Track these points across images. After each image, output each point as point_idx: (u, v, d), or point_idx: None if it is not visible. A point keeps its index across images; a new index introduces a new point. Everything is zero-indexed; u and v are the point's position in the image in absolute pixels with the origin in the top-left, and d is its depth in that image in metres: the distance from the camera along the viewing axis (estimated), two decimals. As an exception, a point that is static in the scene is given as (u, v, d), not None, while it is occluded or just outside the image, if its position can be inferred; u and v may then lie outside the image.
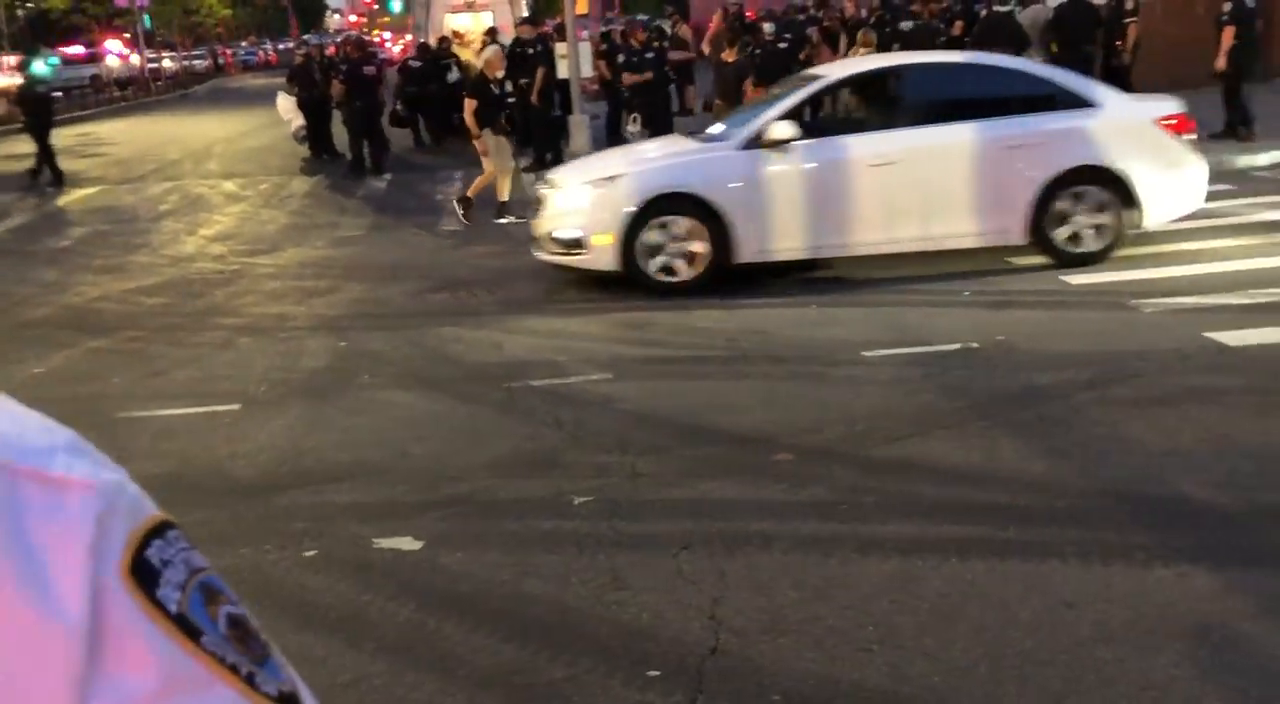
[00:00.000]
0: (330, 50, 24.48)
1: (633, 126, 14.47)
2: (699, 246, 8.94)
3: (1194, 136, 9.36)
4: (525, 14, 24.79)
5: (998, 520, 4.65)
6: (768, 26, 16.66)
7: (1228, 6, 13.26)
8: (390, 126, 19.42)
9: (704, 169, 9.12)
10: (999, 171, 8.89)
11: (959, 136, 8.99)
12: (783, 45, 16.20)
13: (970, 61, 10.00)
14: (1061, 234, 8.93)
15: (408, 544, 4.77)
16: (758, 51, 16.30)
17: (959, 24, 16.92)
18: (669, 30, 21.69)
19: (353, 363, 7.63)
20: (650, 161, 9.61)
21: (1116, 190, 8.87)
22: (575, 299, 9.10)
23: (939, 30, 16.99)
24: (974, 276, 8.87)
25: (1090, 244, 8.96)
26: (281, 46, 72.83)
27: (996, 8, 15.43)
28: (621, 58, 17.17)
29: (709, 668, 3.73)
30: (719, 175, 9.02)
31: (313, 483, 5.55)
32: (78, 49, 52.21)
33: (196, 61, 65.35)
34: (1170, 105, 9.35)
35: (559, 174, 10.00)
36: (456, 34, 22.45)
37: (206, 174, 19.11)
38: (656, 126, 14.55)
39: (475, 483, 5.42)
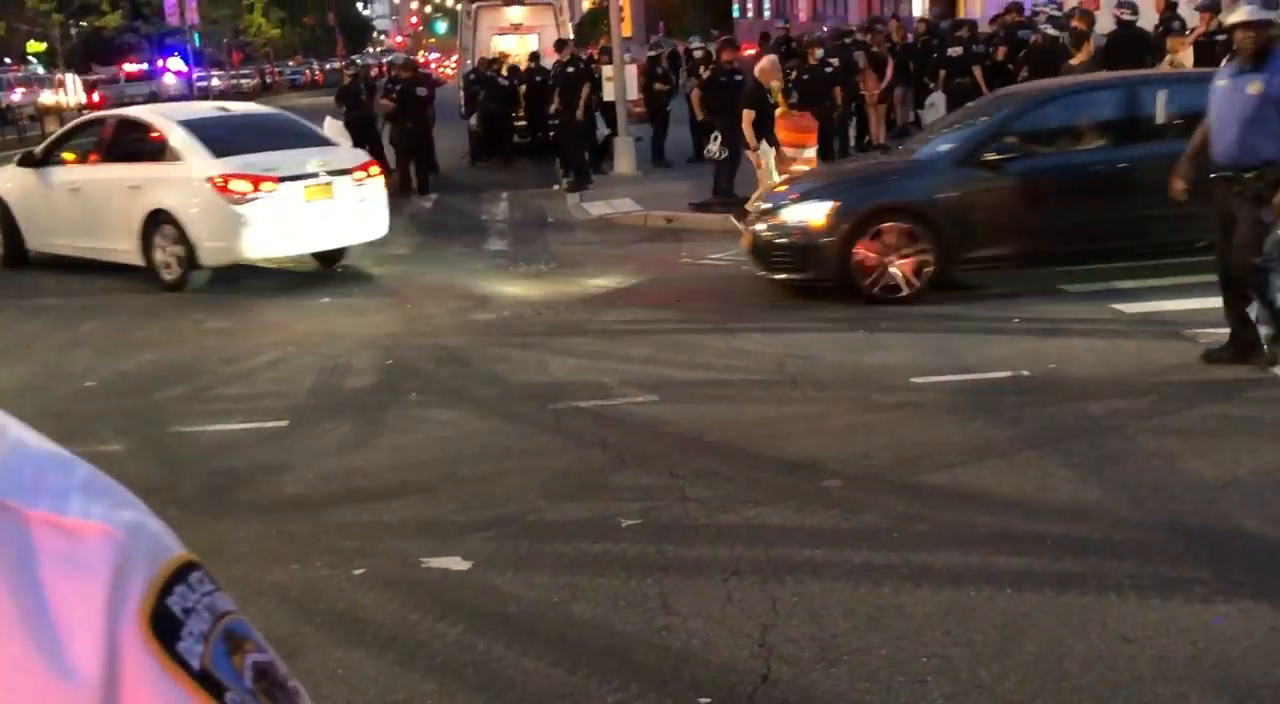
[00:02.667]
0: (374, 72, 24.74)
1: (713, 146, 14.66)
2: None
3: (271, 189, 10.74)
4: (570, 36, 24.94)
5: (1053, 552, 4.59)
6: (819, 52, 16.61)
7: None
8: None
9: (8, 180, 12.75)
10: (125, 205, 11.25)
11: (108, 175, 11.63)
12: (828, 69, 16.16)
13: (133, 116, 12.58)
14: (159, 259, 11.15)
15: (457, 564, 4.76)
16: (805, 77, 16.28)
17: (1002, 49, 16.85)
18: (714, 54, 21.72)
19: (400, 381, 7.66)
20: None
21: (180, 230, 10.94)
22: (621, 320, 9.10)
23: (985, 55, 16.92)
24: (1024, 303, 8.79)
25: (172, 272, 11.10)
26: (328, 66, 73.60)
27: (1048, 30, 15.32)
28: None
29: (760, 696, 3.69)
30: (11, 185, 12.63)
31: (362, 500, 5.57)
32: (138, 67, 53.07)
33: (244, 80, 66.15)
34: (239, 164, 10.81)
35: None
36: (504, 55, 22.60)
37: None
38: (734, 147, 14.72)
39: (523, 504, 5.41)
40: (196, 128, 11.36)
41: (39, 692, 0.52)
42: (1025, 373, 7.03)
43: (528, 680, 3.85)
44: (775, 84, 13.12)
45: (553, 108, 18.20)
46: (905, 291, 9.01)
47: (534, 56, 21.02)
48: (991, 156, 9.14)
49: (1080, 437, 5.90)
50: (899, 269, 9.01)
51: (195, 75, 53.20)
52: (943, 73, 17.44)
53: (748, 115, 12.83)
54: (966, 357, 7.50)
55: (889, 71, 19.02)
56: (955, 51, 17.17)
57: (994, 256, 9.16)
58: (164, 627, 0.56)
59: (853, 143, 18.67)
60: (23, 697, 0.52)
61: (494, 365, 7.94)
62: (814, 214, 9.29)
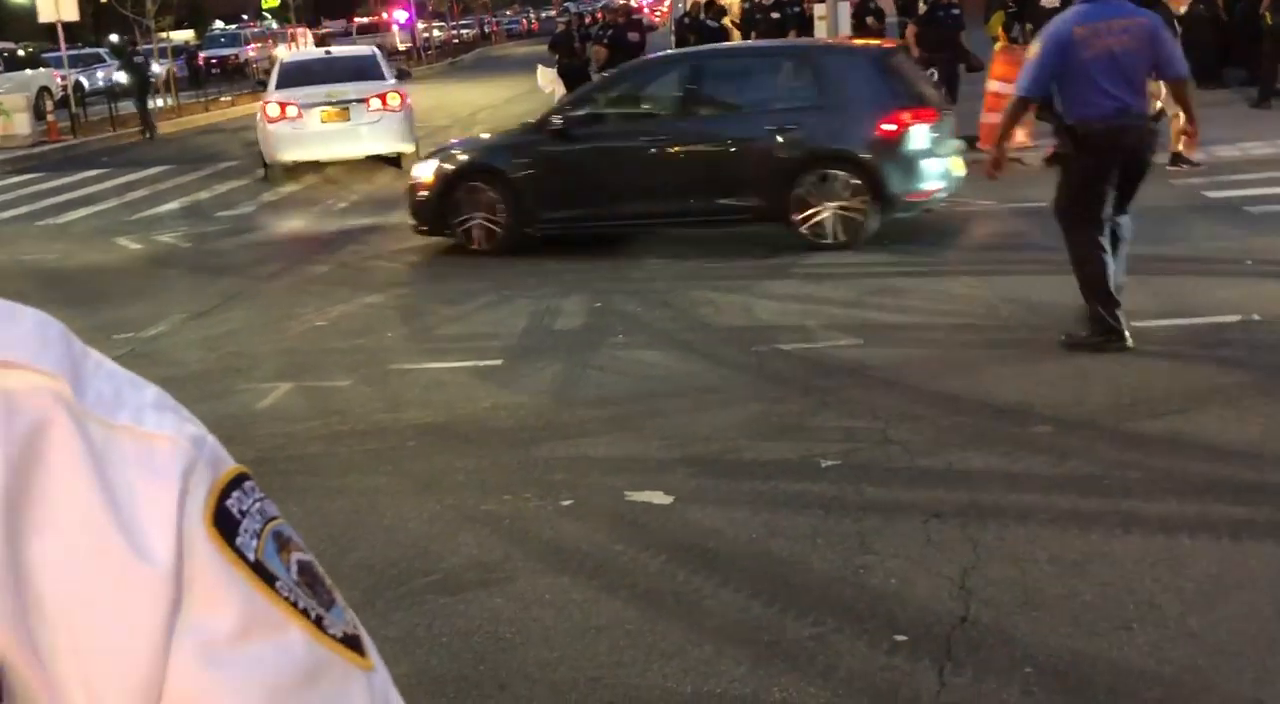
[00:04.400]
0: (588, 19, 24.99)
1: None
2: None
3: (293, 113, 15.21)
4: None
5: (1275, 501, 4.40)
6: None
7: None
8: None
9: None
10: (257, 122, 16.18)
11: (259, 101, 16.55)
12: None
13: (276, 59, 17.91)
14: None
15: (659, 498, 4.89)
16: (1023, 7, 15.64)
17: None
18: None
19: (607, 323, 7.83)
20: None
21: None
22: (826, 264, 9.03)
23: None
24: (1260, 243, 8.31)
25: (263, 171, 15.99)
26: (543, 14, 74.68)
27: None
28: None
29: (958, 636, 3.68)
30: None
31: (569, 436, 5.76)
32: (365, 20, 55.21)
33: (465, 30, 67.79)
34: (281, 95, 15.73)
35: None
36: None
37: (472, 139, 19.84)
38: (951, 84, 14.29)
39: (724, 442, 5.49)
40: (287, 67, 16.83)
41: (123, 569, 0.61)
42: (1256, 317, 6.67)
43: (726, 612, 3.94)
44: (1183, 9, 12.12)
45: None
46: (486, 246, 10.06)
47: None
48: (557, 124, 10.07)
49: (1313, 384, 5.58)
50: (481, 226, 10.09)
51: (419, 26, 54.85)
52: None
53: None
54: (1193, 300, 7.17)
55: None
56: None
57: (562, 219, 10.02)
58: (224, 523, 0.65)
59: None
60: (110, 572, 0.61)
61: (698, 309, 8.02)
62: (426, 172, 10.44)
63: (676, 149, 9.78)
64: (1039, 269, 8.30)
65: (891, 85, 9.44)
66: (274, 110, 15.61)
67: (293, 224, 12.79)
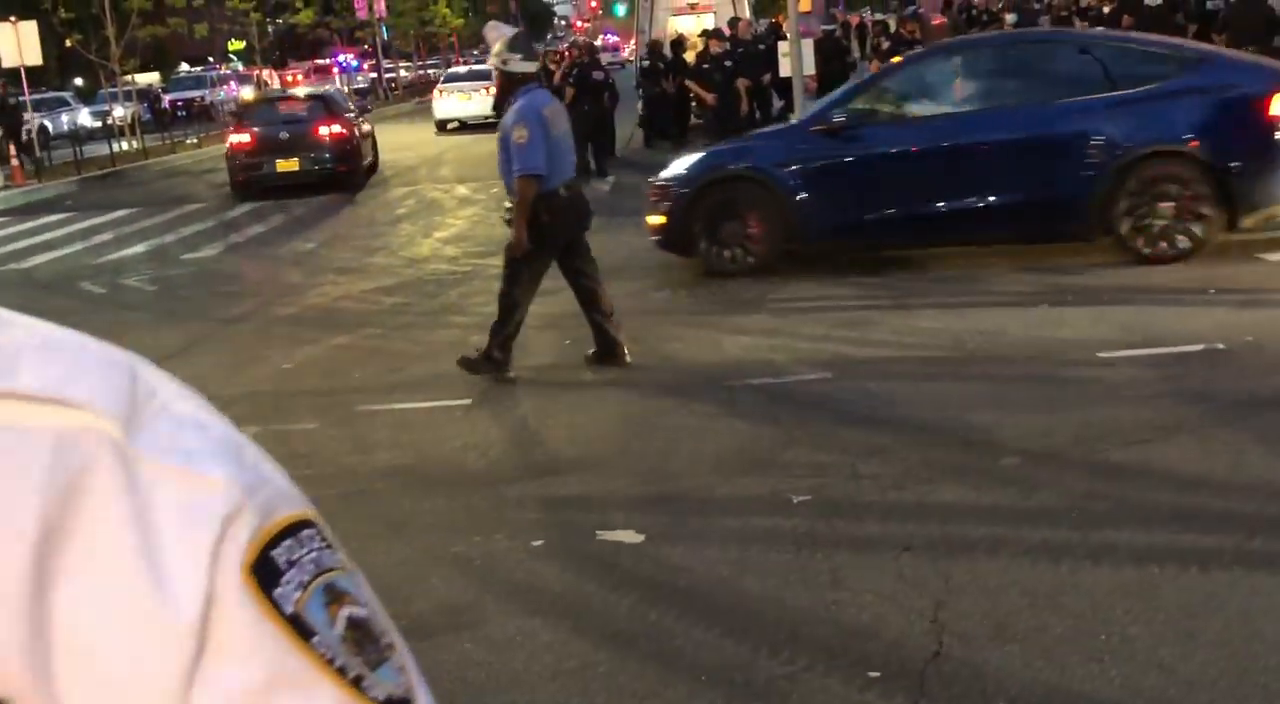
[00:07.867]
0: (556, 56, 25.14)
1: None
2: None
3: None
4: (748, 15, 24.79)
5: (1244, 530, 4.41)
6: (1010, 17, 16.14)
7: None
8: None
9: None
10: None
11: None
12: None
13: None
14: None
15: (630, 537, 4.86)
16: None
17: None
18: (892, 27, 21.35)
19: (577, 360, 7.81)
20: None
21: None
22: (795, 298, 9.07)
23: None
24: (1221, 272, 8.40)
25: None
26: (509, 53, 74.86)
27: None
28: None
29: (931, 672, 3.67)
30: None
31: (540, 475, 5.73)
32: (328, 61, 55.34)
33: (431, 70, 67.95)
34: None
35: None
36: (684, 36, 22.66)
37: (440, 179, 19.88)
38: None
39: (695, 480, 5.48)
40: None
41: (146, 616, 0.61)
42: (1220, 346, 6.73)
43: (697, 651, 3.91)
44: None
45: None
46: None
47: (708, 33, 21.00)
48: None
49: (1277, 412, 5.62)
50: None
51: (385, 66, 55.07)
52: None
53: None
54: (1157, 329, 7.22)
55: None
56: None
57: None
58: (264, 573, 0.63)
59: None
60: (132, 619, 0.61)
61: (668, 344, 8.02)
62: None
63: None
64: (1003, 302, 8.37)
65: None
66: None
67: (258, 266, 12.73)
